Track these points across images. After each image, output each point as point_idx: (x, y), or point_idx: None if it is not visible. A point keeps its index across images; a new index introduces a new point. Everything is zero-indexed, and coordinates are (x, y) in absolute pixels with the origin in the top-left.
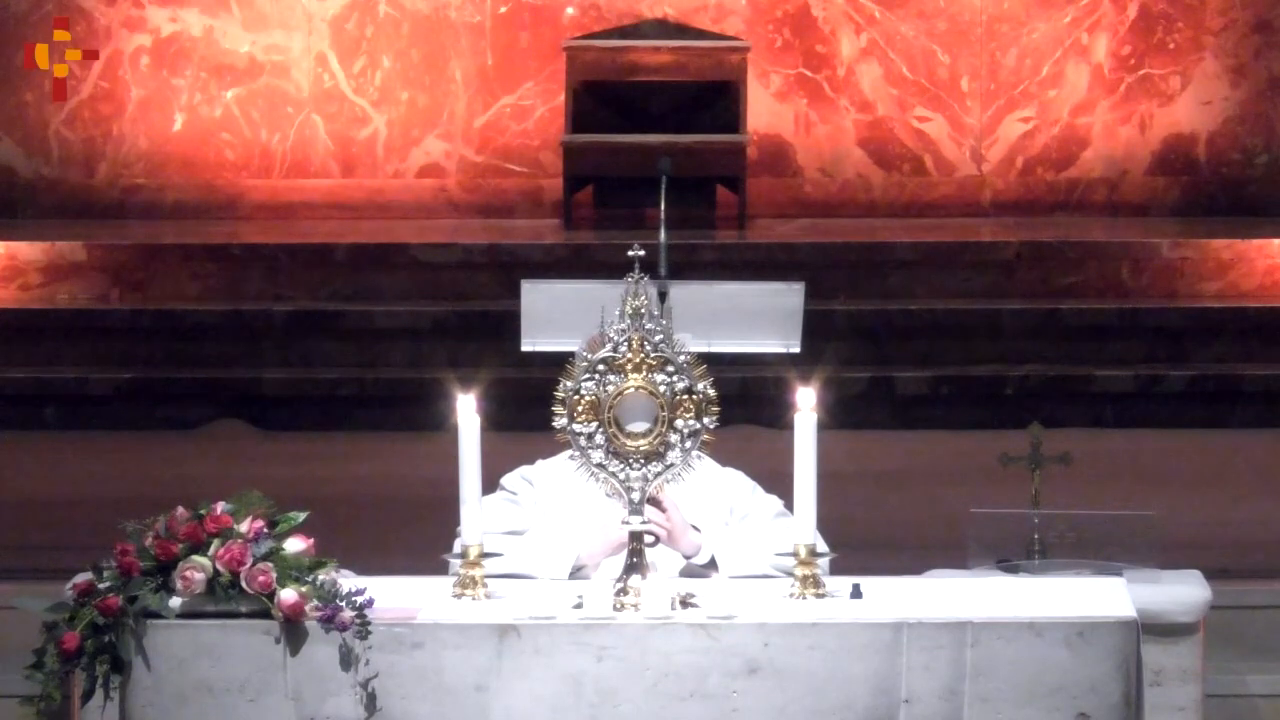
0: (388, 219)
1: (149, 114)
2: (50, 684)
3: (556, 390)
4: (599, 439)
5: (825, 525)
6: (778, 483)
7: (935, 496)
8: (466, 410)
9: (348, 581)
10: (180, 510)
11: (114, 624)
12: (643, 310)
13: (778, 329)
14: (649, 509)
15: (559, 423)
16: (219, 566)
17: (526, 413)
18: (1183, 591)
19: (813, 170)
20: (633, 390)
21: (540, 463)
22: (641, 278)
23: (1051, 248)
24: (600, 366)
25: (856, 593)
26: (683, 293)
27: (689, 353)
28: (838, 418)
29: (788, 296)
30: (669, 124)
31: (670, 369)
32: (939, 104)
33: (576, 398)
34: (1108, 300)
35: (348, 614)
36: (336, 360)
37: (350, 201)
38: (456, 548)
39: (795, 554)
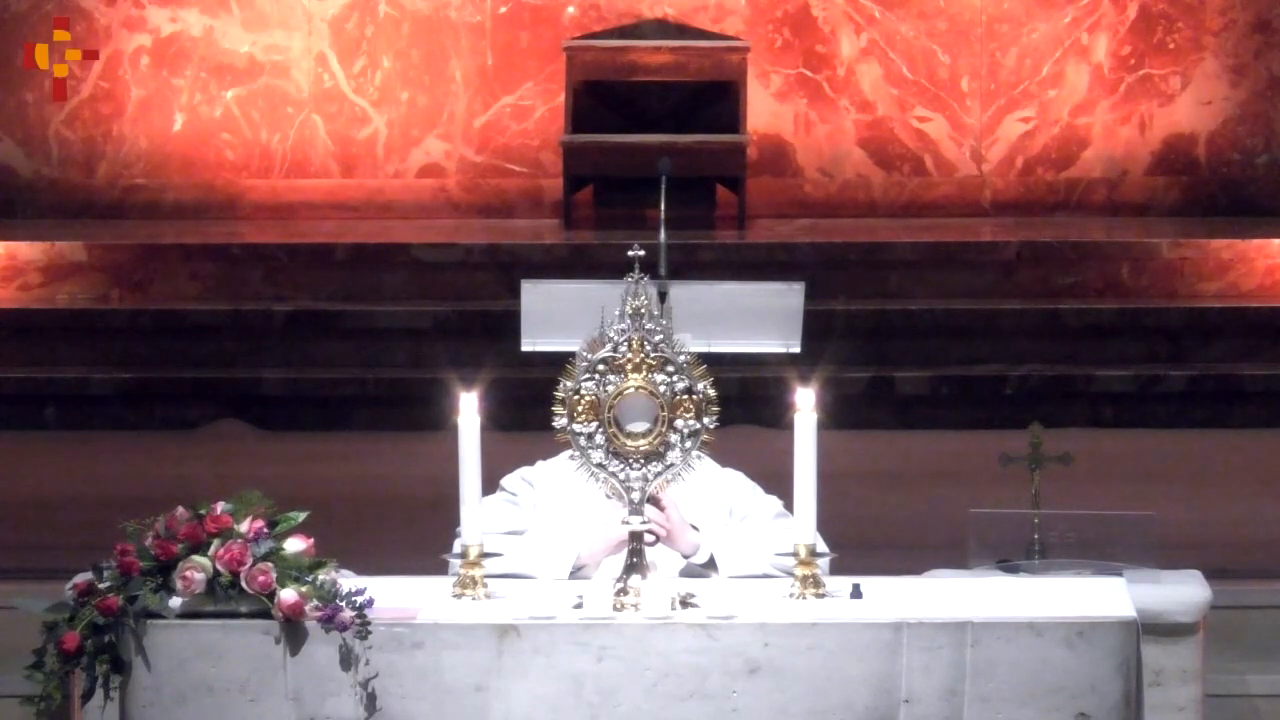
0: (388, 219)
1: (149, 114)
2: (50, 684)
3: (556, 390)
4: (599, 439)
5: (825, 525)
6: (778, 483)
7: (935, 496)
8: (467, 410)
9: (348, 581)
10: (180, 510)
11: (114, 624)
12: (643, 310)
13: (778, 329)
14: (648, 508)
15: (559, 423)
16: (219, 566)
17: (526, 413)
18: (1183, 591)
19: (813, 170)
20: (633, 390)
21: (540, 464)
22: (641, 278)
23: (1051, 248)
24: (600, 366)
25: (856, 593)
26: (683, 293)
27: (689, 353)
28: (838, 418)
29: (788, 296)
30: (669, 124)
31: (670, 369)
32: (939, 104)
33: (576, 398)
34: (1108, 300)
35: (348, 614)
36: (336, 360)
37: (350, 201)
38: (456, 548)
39: (795, 554)
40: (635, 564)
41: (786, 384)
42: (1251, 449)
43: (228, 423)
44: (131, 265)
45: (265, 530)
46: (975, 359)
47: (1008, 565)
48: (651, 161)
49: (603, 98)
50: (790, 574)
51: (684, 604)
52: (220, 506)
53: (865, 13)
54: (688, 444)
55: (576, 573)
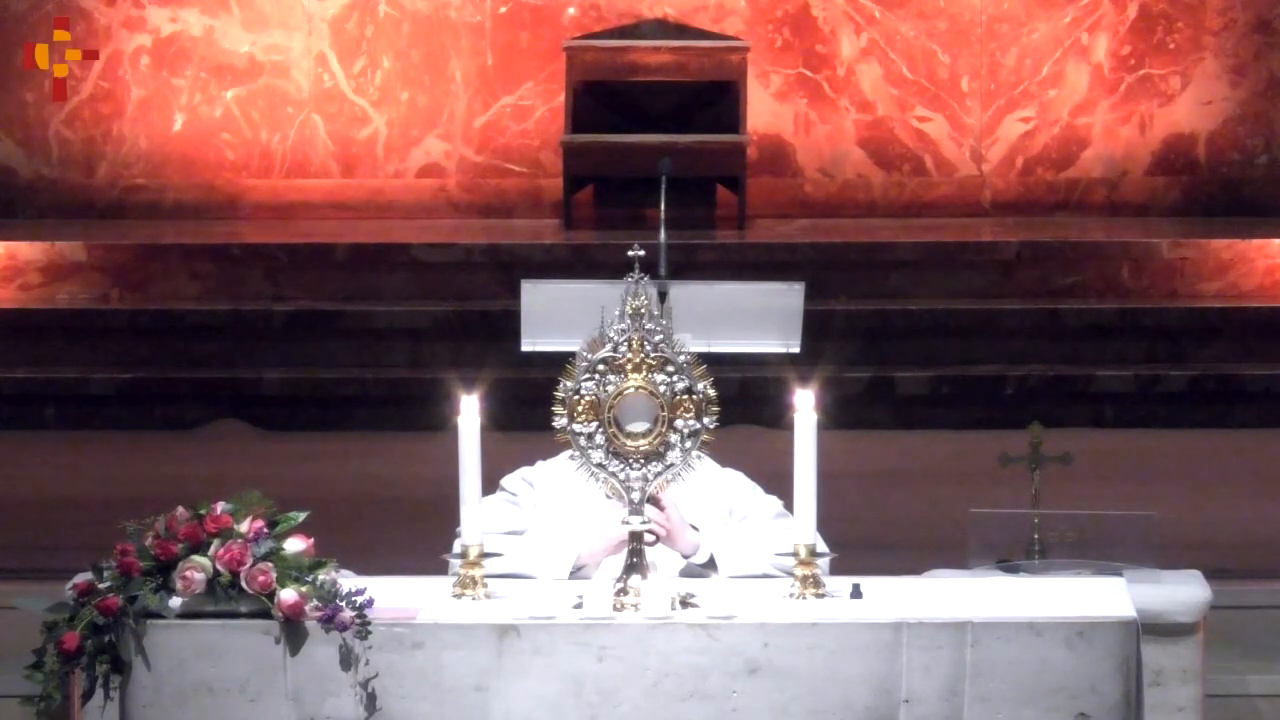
0: (388, 219)
1: (149, 114)
2: (50, 684)
3: (556, 390)
4: (599, 439)
5: (825, 525)
6: (778, 483)
7: (935, 496)
8: (467, 410)
9: (348, 581)
10: (180, 510)
11: (114, 624)
12: (643, 310)
13: (778, 329)
14: (648, 508)
15: (559, 423)
16: (219, 566)
17: (526, 413)
18: (1183, 591)
19: (813, 170)
20: (633, 390)
21: (540, 464)
22: (641, 278)
23: (1051, 248)
24: (600, 366)
25: (856, 593)
26: (683, 293)
27: (689, 353)
28: (838, 418)
29: (788, 296)
30: (669, 124)
31: (670, 369)
32: (939, 104)
33: (576, 398)
34: (1108, 300)
35: (348, 614)
36: (336, 360)
37: (350, 201)
38: (456, 548)
39: (795, 554)
40: (635, 564)
41: (786, 384)
42: (1251, 449)
43: (228, 423)
44: (131, 265)
45: (265, 530)
46: (975, 359)
47: (1008, 565)
48: (651, 161)
49: (603, 98)
50: (790, 574)
51: (684, 604)
52: (220, 506)
53: (865, 13)
54: (688, 444)
55: (576, 573)
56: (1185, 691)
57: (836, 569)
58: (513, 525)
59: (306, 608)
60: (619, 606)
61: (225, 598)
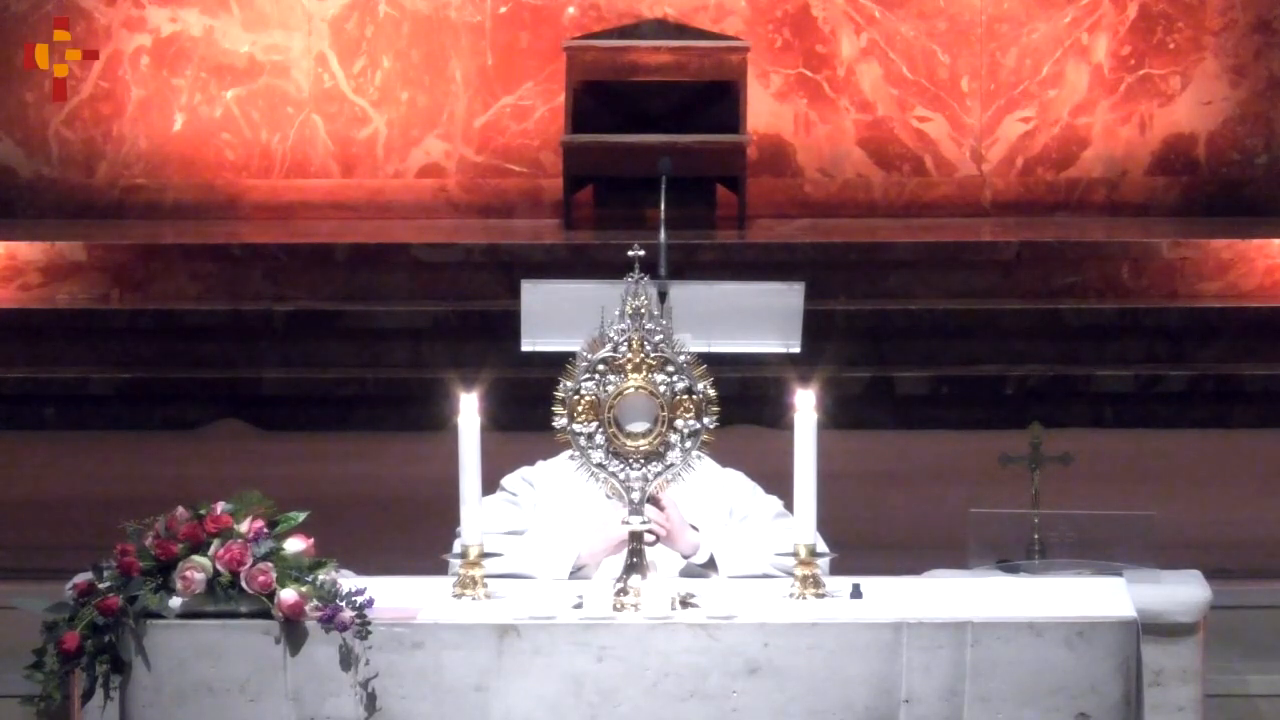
0: (388, 219)
1: (149, 114)
2: (50, 684)
3: (556, 390)
4: (599, 439)
5: (825, 525)
6: (778, 483)
7: (935, 496)
8: (467, 410)
9: (348, 581)
10: (180, 510)
11: (114, 624)
12: (643, 310)
13: (778, 329)
14: (648, 508)
15: (559, 423)
16: (219, 566)
17: (526, 413)
18: (1183, 591)
19: (813, 170)
20: (633, 390)
21: (540, 464)
22: (641, 278)
23: (1051, 248)
24: (600, 366)
25: (856, 593)
26: (683, 293)
27: (689, 353)
28: (838, 418)
29: (788, 296)
30: (669, 124)
31: (670, 369)
32: (939, 104)
33: (576, 398)
34: (1108, 300)
35: (348, 614)
36: (336, 360)
37: (350, 201)
38: (456, 548)
39: (795, 554)
40: (635, 564)
41: (786, 384)
42: (1251, 449)
43: (228, 423)
44: (131, 265)
45: (265, 530)
46: (975, 359)
47: (1008, 565)
48: (651, 161)
49: (603, 98)
50: (790, 574)
51: (684, 604)
52: (220, 506)
53: (865, 13)
54: (688, 444)
55: (576, 573)
56: (1185, 691)
57: (836, 569)
58: (513, 525)
59: (306, 608)
60: (619, 606)
61: (225, 598)
